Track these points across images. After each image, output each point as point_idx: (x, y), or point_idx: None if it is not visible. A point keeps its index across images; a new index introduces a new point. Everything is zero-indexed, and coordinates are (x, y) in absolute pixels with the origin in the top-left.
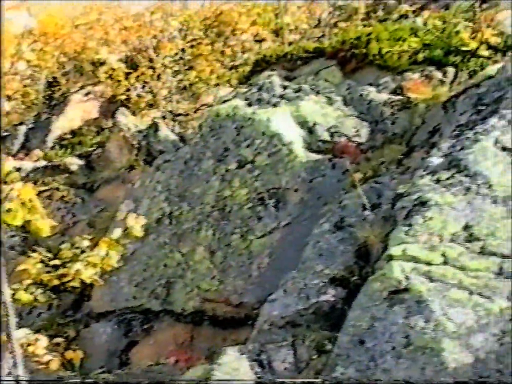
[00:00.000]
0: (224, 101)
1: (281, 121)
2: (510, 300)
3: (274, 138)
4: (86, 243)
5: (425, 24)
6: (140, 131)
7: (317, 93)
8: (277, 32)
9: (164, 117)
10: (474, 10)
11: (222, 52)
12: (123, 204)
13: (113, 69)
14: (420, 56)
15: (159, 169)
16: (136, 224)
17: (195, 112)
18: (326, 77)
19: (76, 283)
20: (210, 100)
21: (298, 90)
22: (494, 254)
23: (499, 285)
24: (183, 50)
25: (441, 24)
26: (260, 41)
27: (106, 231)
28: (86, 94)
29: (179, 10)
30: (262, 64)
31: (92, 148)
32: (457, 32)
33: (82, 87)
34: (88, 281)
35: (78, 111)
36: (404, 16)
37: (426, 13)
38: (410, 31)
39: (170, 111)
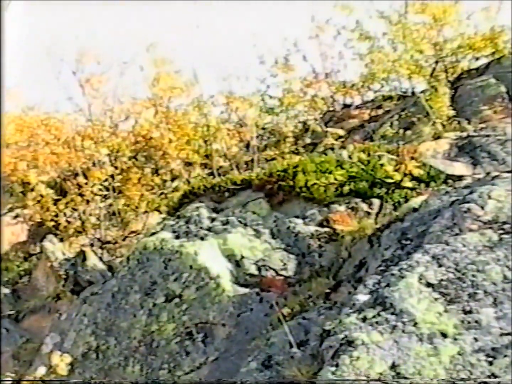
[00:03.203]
0: (152, 234)
1: (209, 254)
2: None
3: (202, 271)
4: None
5: (350, 156)
6: (67, 259)
7: (245, 225)
8: (207, 155)
9: (92, 245)
10: (398, 142)
11: (152, 180)
12: (48, 336)
13: (41, 195)
14: (346, 188)
15: (86, 302)
16: (61, 362)
17: (123, 239)
18: (254, 209)
19: None
20: (139, 228)
21: (225, 223)
22: None
23: None
24: (112, 176)
25: (365, 157)
26: (190, 164)
27: (31, 365)
28: (15, 217)
29: (109, 136)
30: (190, 196)
31: (19, 276)
32: (382, 165)
33: (11, 209)
34: None
35: (6, 234)
36: (330, 148)
37: (350, 146)
38: (336, 163)
39: (98, 239)
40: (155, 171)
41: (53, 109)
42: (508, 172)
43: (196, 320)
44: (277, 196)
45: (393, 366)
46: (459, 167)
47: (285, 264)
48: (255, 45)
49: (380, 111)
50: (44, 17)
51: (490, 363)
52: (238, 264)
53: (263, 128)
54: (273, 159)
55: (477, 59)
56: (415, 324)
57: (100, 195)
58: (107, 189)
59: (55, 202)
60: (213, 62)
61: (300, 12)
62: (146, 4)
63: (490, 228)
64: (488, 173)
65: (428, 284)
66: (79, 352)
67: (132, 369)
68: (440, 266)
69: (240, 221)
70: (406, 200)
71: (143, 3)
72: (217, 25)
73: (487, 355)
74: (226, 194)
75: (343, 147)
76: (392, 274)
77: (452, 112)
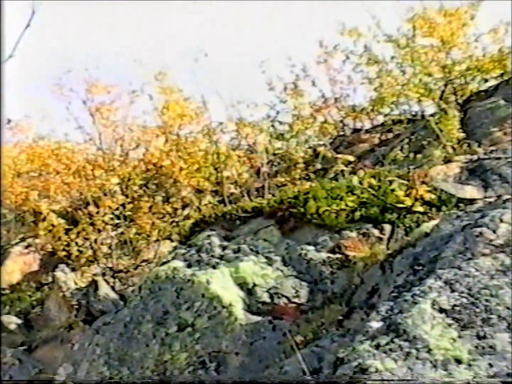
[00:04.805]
0: (164, 263)
1: (221, 283)
2: None
3: (214, 300)
4: None
5: (360, 182)
6: (79, 289)
7: (257, 253)
8: (218, 182)
9: (104, 274)
10: (408, 167)
11: (163, 208)
12: (61, 367)
13: (53, 225)
14: (357, 214)
15: (99, 332)
16: None
17: (135, 268)
18: (265, 237)
19: None
20: (151, 256)
21: (237, 251)
22: None
23: None
24: (123, 205)
25: (376, 182)
26: (200, 191)
27: None
28: (27, 247)
29: (120, 165)
30: (201, 224)
31: (31, 306)
32: (392, 190)
33: (22, 239)
34: None
35: (18, 264)
36: (340, 173)
37: (361, 171)
38: (347, 189)
39: (110, 268)
40: (166, 199)
41: (63, 138)
42: None
43: (209, 349)
44: (288, 223)
45: None
46: (470, 191)
47: (297, 291)
48: (264, 71)
49: (390, 135)
50: (55, 48)
51: None
52: (250, 292)
53: (274, 154)
54: (284, 185)
55: (486, 80)
56: (429, 351)
57: (111, 224)
58: (118, 218)
59: (67, 231)
60: (222, 90)
61: (308, 38)
62: (154, 34)
63: (502, 252)
64: (499, 196)
65: (441, 310)
66: (92, 383)
67: None
68: (453, 291)
69: (251, 249)
70: (418, 225)
71: (152, 32)
72: (225, 52)
73: (503, 381)
74: (237, 222)
75: (353, 172)
76: (405, 300)
77: (462, 135)
